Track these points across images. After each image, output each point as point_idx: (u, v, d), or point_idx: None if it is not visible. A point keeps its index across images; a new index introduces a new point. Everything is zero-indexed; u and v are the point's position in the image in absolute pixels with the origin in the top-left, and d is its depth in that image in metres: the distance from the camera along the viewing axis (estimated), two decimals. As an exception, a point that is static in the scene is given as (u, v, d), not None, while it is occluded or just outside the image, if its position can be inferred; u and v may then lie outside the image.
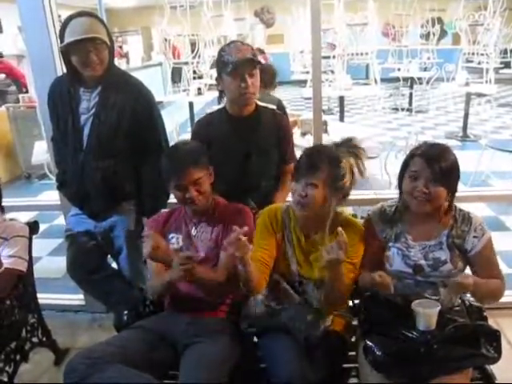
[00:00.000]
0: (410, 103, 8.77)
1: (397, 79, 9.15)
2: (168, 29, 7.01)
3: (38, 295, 2.16)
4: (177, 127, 4.66)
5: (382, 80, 8.68)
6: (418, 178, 1.46)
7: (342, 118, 6.89)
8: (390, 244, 1.57)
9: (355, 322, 1.65)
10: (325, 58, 7.46)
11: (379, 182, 3.72)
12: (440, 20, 10.96)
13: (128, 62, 11.06)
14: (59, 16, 2.30)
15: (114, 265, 2.26)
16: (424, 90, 8.86)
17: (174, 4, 6.59)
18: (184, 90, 7.21)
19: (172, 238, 1.72)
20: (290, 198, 1.72)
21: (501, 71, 9.29)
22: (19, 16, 2.24)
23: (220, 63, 1.84)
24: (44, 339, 2.19)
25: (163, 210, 1.88)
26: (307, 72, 9.32)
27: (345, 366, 1.60)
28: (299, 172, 1.52)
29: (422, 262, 1.52)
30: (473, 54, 7.36)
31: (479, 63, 7.27)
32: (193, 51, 7.19)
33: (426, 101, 8.94)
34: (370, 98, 9.06)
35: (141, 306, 1.77)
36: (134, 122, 1.94)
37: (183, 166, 1.60)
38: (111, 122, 1.91)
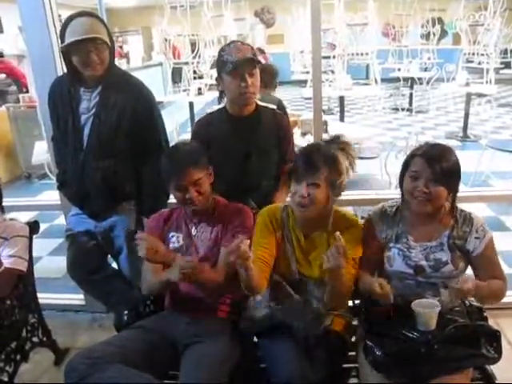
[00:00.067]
0: (411, 103, 8.77)
1: (397, 79, 9.14)
2: (168, 29, 7.01)
3: (39, 295, 2.16)
4: (177, 127, 4.65)
5: (382, 80, 8.68)
6: (419, 177, 1.46)
7: (342, 118, 6.88)
8: (391, 244, 1.57)
9: (355, 322, 1.65)
10: (325, 58, 7.46)
11: (379, 182, 3.72)
12: (440, 20, 10.96)
13: (128, 62, 11.06)
14: (59, 16, 2.30)
15: (115, 265, 2.26)
16: (424, 90, 8.85)
17: (174, 4, 6.59)
18: (184, 90, 7.21)
19: (172, 237, 1.73)
20: (288, 198, 1.71)
21: (501, 71, 9.30)
22: (20, 16, 2.24)
23: (220, 63, 1.84)
24: (44, 339, 2.19)
25: (163, 210, 1.88)
26: (307, 72, 9.32)
27: (345, 366, 1.60)
28: (299, 173, 1.51)
29: (423, 262, 1.52)
30: (473, 54, 7.35)
31: (479, 63, 7.26)
32: (193, 51, 7.19)
33: (427, 101, 8.93)
34: (370, 98, 9.06)
35: (141, 306, 1.77)
36: (134, 122, 1.94)
37: (183, 167, 1.60)
38: (111, 121, 1.91)
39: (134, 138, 1.96)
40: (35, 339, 2.13)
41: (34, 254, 2.07)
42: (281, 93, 6.92)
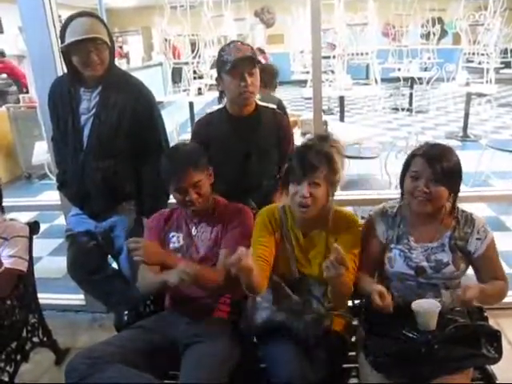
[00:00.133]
0: (411, 103, 8.77)
1: (397, 79, 9.15)
2: (168, 29, 7.01)
3: (39, 295, 2.16)
4: (177, 127, 4.66)
5: (382, 80, 8.69)
6: (419, 177, 1.46)
7: (342, 118, 6.88)
8: (392, 245, 1.57)
9: (355, 322, 1.65)
10: (325, 58, 7.46)
11: (379, 182, 3.72)
12: (440, 20, 10.96)
13: (128, 62, 11.07)
14: (59, 16, 2.30)
15: (115, 265, 2.26)
16: (424, 90, 8.86)
17: (174, 4, 6.60)
18: (184, 90, 7.22)
19: (173, 236, 1.73)
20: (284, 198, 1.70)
21: (501, 71, 9.30)
22: (20, 16, 2.24)
23: (220, 63, 1.84)
24: (45, 339, 2.19)
25: (163, 210, 1.88)
26: (307, 72, 9.33)
27: (345, 366, 1.60)
28: (298, 173, 1.50)
29: (424, 263, 1.51)
30: (473, 53, 7.35)
31: (479, 63, 7.27)
32: (193, 51, 7.19)
33: (427, 101, 8.93)
34: (370, 98, 9.06)
35: (141, 306, 1.77)
36: (134, 122, 1.94)
37: (183, 169, 1.60)
38: (111, 122, 1.91)
39: (134, 138, 1.96)
40: (35, 339, 2.13)
41: (34, 255, 2.07)
42: (281, 93, 6.93)
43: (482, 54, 7.02)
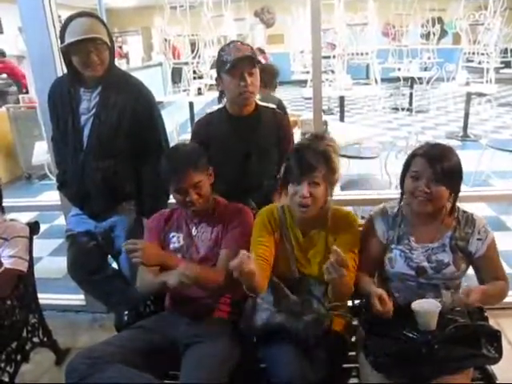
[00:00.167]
0: (411, 103, 8.77)
1: (397, 79, 9.15)
2: (168, 29, 7.02)
3: (39, 295, 2.16)
4: (177, 127, 4.66)
5: (383, 80, 8.70)
6: (420, 177, 1.46)
7: (342, 118, 6.89)
8: (393, 246, 1.57)
9: (355, 322, 1.65)
10: (325, 57, 7.46)
11: (379, 182, 3.72)
12: (440, 20, 10.96)
13: (128, 62, 11.07)
14: (59, 16, 2.30)
15: (115, 265, 2.26)
16: (424, 89, 8.86)
17: (174, 4, 6.60)
18: (184, 90, 7.22)
19: (173, 237, 1.73)
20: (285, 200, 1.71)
21: (501, 71, 9.29)
22: (19, 16, 2.24)
23: (219, 63, 1.84)
24: (45, 339, 2.19)
25: (163, 210, 1.88)
26: (307, 72, 9.33)
27: (345, 366, 1.60)
28: (296, 173, 1.50)
29: (425, 264, 1.51)
30: (473, 53, 7.36)
31: (479, 63, 7.27)
32: (193, 51, 7.20)
33: (427, 100, 8.93)
34: (371, 97, 9.06)
35: (141, 306, 1.77)
36: (134, 122, 1.94)
37: (183, 169, 1.60)
38: (111, 122, 1.91)
39: (134, 138, 1.96)
40: (36, 339, 2.13)
41: (35, 255, 2.07)
42: (281, 93, 6.94)
43: (482, 54, 7.02)
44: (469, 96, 6.70)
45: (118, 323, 1.71)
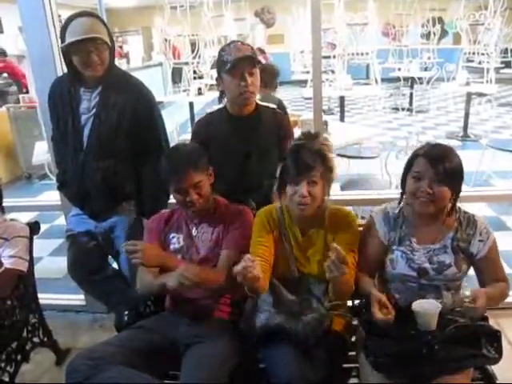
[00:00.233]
0: (411, 103, 8.77)
1: (397, 79, 9.15)
2: (168, 29, 7.02)
3: (39, 295, 2.16)
4: (177, 127, 4.66)
5: (383, 80, 8.70)
6: (422, 178, 1.45)
7: (342, 118, 6.89)
8: (394, 247, 1.57)
9: (355, 322, 1.65)
10: (325, 57, 7.46)
11: (379, 182, 3.72)
12: (440, 20, 10.95)
13: (128, 62, 11.07)
14: (59, 16, 2.30)
15: (115, 265, 2.26)
16: (424, 89, 8.86)
17: (174, 4, 6.60)
18: (184, 90, 7.22)
19: (173, 238, 1.73)
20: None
21: (501, 71, 9.29)
22: (20, 16, 2.24)
23: (220, 63, 1.84)
24: (45, 339, 2.19)
25: (164, 210, 1.88)
26: (307, 72, 9.33)
27: (345, 366, 1.60)
28: (295, 173, 1.50)
29: (427, 265, 1.51)
30: (473, 53, 7.35)
31: (480, 63, 7.27)
32: (193, 51, 7.20)
33: (427, 100, 8.93)
34: (371, 97, 9.06)
35: (141, 306, 1.77)
36: (134, 122, 1.93)
37: (183, 169, 1.60)
38: (112, 122, 1.91)
39: (134, 138, 1.96)
40: (36, 339, 2.13)
41: (35, 255, 2.07)
42: (281, 93, 6.93)
43: (483, 54, 7.02)
44: (469, 96, 6.70)
45: (118, 323, 1.71)
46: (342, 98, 6.86)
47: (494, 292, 1.46)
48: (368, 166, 4.40)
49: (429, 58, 9.34)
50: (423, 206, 1.47)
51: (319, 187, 1.51)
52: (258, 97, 1.96)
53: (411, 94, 8.80)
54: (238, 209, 1.75)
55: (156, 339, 1.58)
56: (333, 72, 7.56)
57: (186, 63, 7.22)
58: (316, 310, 1.50)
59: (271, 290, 1.56)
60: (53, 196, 2.75)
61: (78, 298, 2.72)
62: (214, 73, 2.13)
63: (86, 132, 1.93)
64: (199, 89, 6.51)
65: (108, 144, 1.92)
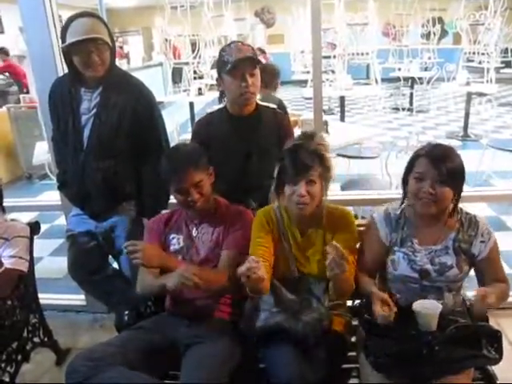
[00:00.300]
0: (411, 103, 8.77)
1: (397, 79, 9.15)
2: (169, 29, 7.02)
3: (40, 295, 2.16)
4: (177, 127, 4.66)
5: (383, 80, 8.70)
6: (424, 179, 1.45)
7: (342, 118, 6.89)
8: (396, 248, 1.56)
9: (355, 322, 1.65)
10: (325, 57, 7.46)
11: (380, 182, 3.72)
12: (441, 20, 10.95)
13: (129, 63, 11.08)
14: (60, 16, 2.30)
15: (115, 265, 2.26)
16: (425, 89, 8.86)
17: (174, 4, 6.61)
18: (184, 90, 7.22)
19: (173, 238, 1.73)
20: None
21: (501, 71, 9.28)
22: (20, 16, 2.24)
23: (220, 63, 1.84)
24: (45, 339, 2.19)
25: (164, 211, 1.88)
26: (308, 72, 9.32)
27: (345, 366, 1.60)
28: (294, 174, 1.51)
29: (428, 266, 1.51)
30: (473, 53, 7.36)
31: (480, 63, 7.27)
32: (193, 51, 7.20)
33: (427, 100, 8.93)
34: (371, 97, 9.05)
35: (142, 307, 1.77)
36: (134, 123, 1.93)
37: (184, 169, 1.60)
38: (112, 122, 1.91)
39: (135, 138, 1.95)
40: (36, 339, 2.13)
41: (35, 255, 2.07)
42: (281, 93, 6.93)
43: (483, 54, 7.02)
44: (469, 96, 6.70)
45: (118, 323, 1.71)
46: (342, 98, 6.86)
47: (496, 292, 1.46)
48: (368, 166, 4.40)
49: (429, 58, 9.34)
50: (425, 206, 1.46)
51: (317, 186, 1.52)
52: (258, 97, 1.96)
53: (411, 94, 8.80)
54: (238, 209, 1.75)
55: (156, 339, 1.58)
56: (333, 72, 7.56)
57: (187, 63, 7.23)
58: (316, 310, 1.50)
59: (272, 290, 1.56)
60: (53, 196, 2.75)
61: (78, 298, 2.72)
62: (214, 73, 2.13)
63: (87, 132, 1.93)
64: (199, 89, 6.51)
65: (108, 144, 1.92)
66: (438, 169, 1.42)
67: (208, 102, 6.79)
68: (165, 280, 1.52)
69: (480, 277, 1.54)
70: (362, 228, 1.70)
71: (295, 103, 9.64)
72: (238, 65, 1.77)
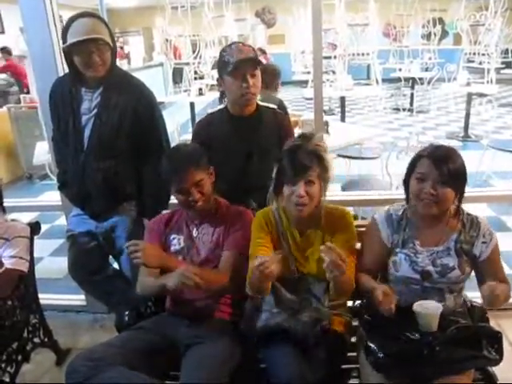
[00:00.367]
0: (411, 103, 8.77)
1: (398, 79, 9.14)
2: (169, 29, 7.02)
3: (40, 296, 2.16)
4: (178, 127, 4.66)
5: (383, 80, 8.70)
6: (426, 179, 1.45)
7: (343, 119, 6.89)
8: (397, 249, 1.56)
9: (355, 323, 1.65)
10: (326, 58, 7.46)
11: (380, 182, 3.72)
12: (441, 20, 10.95)
13: (129, 63, 11.08)
14: (60, 16, 2.30)
15: (116, 265, 2.26)
16: (425, 90, 8.85)
17: (175, 4, 6.61)
18: (185, 91, 7.22)
19: (173, 239, 1.73)
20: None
21: (502, 71, 9.28)
22: (21, 16, 2.25)
23: (221, 64, 1.84)
24: (45, 339, 2.19)
25: (164, 211, 1.88)
26: (308, 72, 9.31)
27: (346, 366, 1.60)
28: (292, 174, 1.51)
29: (430, 268, 1.50)
30: (474, 54, 7.35)
31: (480, 63, 7.26)
32: (194, 52, 7.20)
33: (427, 101, 8.93)
34: (371, 98, 9.05)
35: (142, 307, 1.77)
36: (135, 123, 1.93)
37: (184, 168, 1.60)
38: (113, 122, 1.91)
39: (135, 138, 1.96)
40: (36, 340, 2.13)
41: (35, 255, 2.07)
42: (282, 93, 6.93)
43: (483, 55, 7.02)
44: (470, 96, 6.70)
45: (118, 323, 1.71)
46: (342, 99, 6.86)
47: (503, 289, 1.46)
48: (369, 166, 4.40)
49: (429, 59, 9.34)
50: (426, 207, 1.46)
51: (316, 187, 1.52)
52: (258, 97, 1.97)
53: (412, 95, 8.80)
54: (238, 210, 1.75)
55: (156, 340, 1.58)
56: (334, 72, 7.57)
57: (187, 63, 7.23)
58: (316, 310, 1.50)
59: (272, 290, 1.56)
60: (53, 196, 2.75)
61: (78, 299, 2.72)
62: (215, 73, 2.13)
63: (87, 132, 1.93)
64: (200, 89, 6.51)
65: (109, 144, 1.92)
66: (440, 169, 1.42)
67: (209, 102, 6.79)
68: (165, 280, 1.52)
69: (480, 277, 1.54)
70: (362, 229, 1.70)
71: (296, 103, 9.63)
72: (239, 66, 1.77)
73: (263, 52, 8.58)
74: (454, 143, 5.63)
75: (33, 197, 4.50)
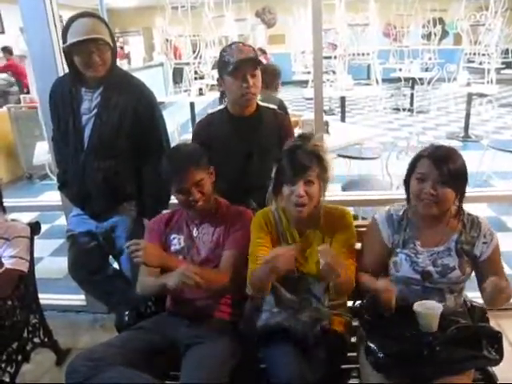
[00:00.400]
0: (412, 103, 8.77)
1: (398, 79, 9.14)
2: (169, 29, 7.02)
3: (40, 296, 2.16)
4: (178, 127, 4.67)
5: (384, 80, 8.70)
6: (426, 179, 1.45)
7: (343, 119, 6.89)
8: (398, 250, 1.56)
9: (356, 323, 1.65)
10: (326, 58, 7.47)
11: (380, 182, 3.72)
12: (441, 20, 10.94)
13: (129, 63, 11.08)
14: (60, 16, 2.30)
15: (116, 265, 2.26)
16: (425, 90, 8.85)
17: (175, 4, 6.61)
18: (185, 91, 7.22)
19: (174, 239, 1.73)
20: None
21: (502, 71, 9.28)
22: (21, 16, 2.25)
23: (221, 64, 1.85)
24: (45, 339, 2.19)
25: (164, 211, 1.88)
26: (308, 72, 9.31)
27: (346, 366, 1.60)
28: (292, 174, 1.51)
29: (431, 268, 1.50)
30: (474, 54, 7.35)
31: (480, 63, 7.26)
32: (194, 52, 7.20)
33: (428, 101, 8.93)
34: (372, 98, 9.05)
35: (142, 307, 1.77)
36: (135, 123, 1.93)
37: (185, 168, 1.60)
38: (113, 122, 1.91)
39: (136, 138, 1.96)
40: (36, 340, 2.13)
41: (36, 255, 2.07)
42: (282, 93, 6.93)
43: (483, 55, 7.01)
44: (470, 96, 6.70)
45: (118, 323, 1.71)
46: (342, 99, 6.86)
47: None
48: (369, 166, 4.40)
49: (430, 59, 9.34)
50: (426, 207, 1.46)
51: (316, 187, 1.52)
52: (258, 97, 1.97)
53: (412, 95, 8.80)
54: (238, 210, 1.75)
55: (156, 340, 1.58)
56: (334, 72, 7.57)
57: (187, 63, 7.23)
58: (315, 310, 1.51)
59: (272, 290, 1.56)
60: (54, 196, 2.75)
61: (78, 298, 2.72)
62: (215, 73, 2.13)
63: (87, 132, 1.93)
64: (200, 89, 6.51)
65: (109, 144, 1.92)
66: (440, 169, 1.42)
67: (209, 102, 6.79)
68: (165, 279, 1.52)
69: (481, 277, 1.53)
70: (362, 229, 1.70)
71: (296, 103, 9.63)
72: (239, 66, 1.77)
73: (263, 52, 8.58)
74: (454, 143, 5.62)
75: (33, 197, 4.50)
